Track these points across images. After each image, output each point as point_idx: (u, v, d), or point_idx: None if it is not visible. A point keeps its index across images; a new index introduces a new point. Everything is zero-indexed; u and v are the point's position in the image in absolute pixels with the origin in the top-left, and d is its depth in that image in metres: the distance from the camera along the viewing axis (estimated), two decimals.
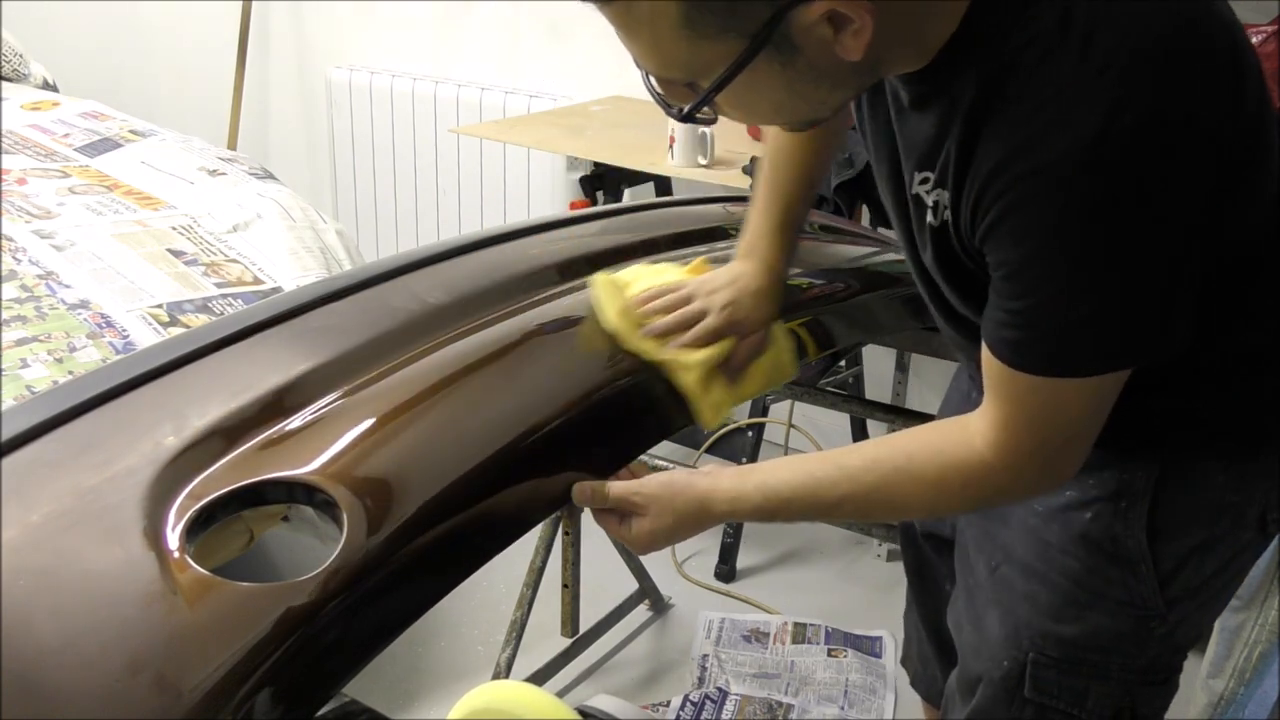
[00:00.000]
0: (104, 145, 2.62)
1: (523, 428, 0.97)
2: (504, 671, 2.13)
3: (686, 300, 1.14)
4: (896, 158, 1.02)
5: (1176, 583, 1.08)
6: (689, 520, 1.02)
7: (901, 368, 2.58)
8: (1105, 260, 0.85)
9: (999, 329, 0.92)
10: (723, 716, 2.13)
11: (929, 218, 0.98)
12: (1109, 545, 1.08)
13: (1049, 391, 0.92)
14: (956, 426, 0.98)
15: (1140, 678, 1.12)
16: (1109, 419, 0.97)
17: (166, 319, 1.86)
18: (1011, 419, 0.94)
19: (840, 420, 2.93)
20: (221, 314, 1.90)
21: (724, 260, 1.22)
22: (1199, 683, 1.81)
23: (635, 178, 2.62)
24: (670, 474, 1.03)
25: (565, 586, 2.28)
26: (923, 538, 1.48)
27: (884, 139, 1.04)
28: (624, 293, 1.14)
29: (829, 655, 2.32)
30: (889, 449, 1.00)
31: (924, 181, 0.97)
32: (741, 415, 2.74)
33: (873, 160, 1.09)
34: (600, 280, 1.14)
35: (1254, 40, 2.00)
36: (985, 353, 0.95)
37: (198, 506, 0.81)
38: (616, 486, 1.01)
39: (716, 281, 1.16)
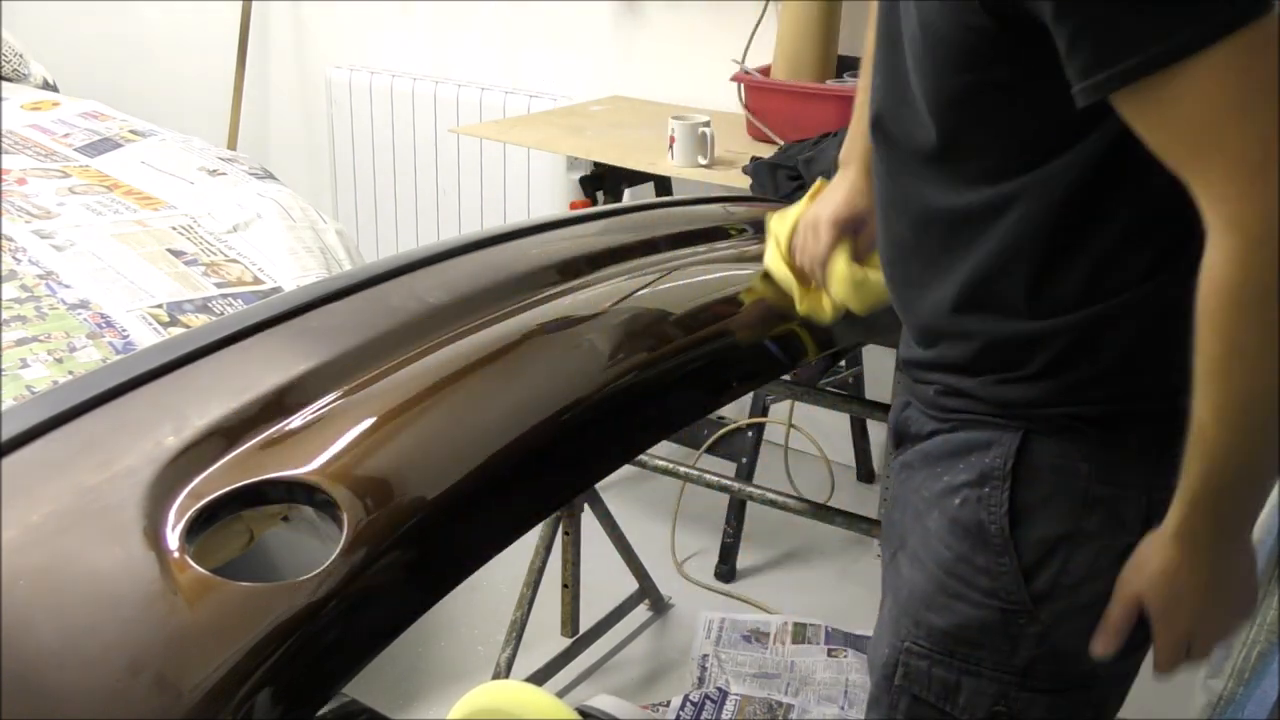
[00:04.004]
0: (104, 145, 2.62)
1: (522, 427, 0.97)
2: (504, 671, 2.13)
3: (805, 238, 1.23)
4: None
5: (1042, 577, 1.01)
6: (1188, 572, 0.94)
7: None
8: None
9: (1081, 71, 0.82)
10: (723, 716, 2.13)
11: None
12: (975, 531, 1.03)
13: (1183, 98, 0.79)
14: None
15: (1018, 680, 1.04)
16: (977, 399, 0.96)
17: (166, 319, 1.86)
18: (1183, 162, 0.82)
19: (840, 420, 2.93)
20: (221, 314, 1.90)
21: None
22: (1198, 683, 1.81)
23: (635, 178, 2.62)
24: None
25: (565, 586, 2.28)
26: None
27: None
28: (780, 245, 1.26)
29: (829, 655, 2.32)
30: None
31: None
32: (741, 415, 2.74)
33: None
34: (770, 237, 1.27)
35: None
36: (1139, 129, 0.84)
37: (198, 506, 0.81)
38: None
39: (829, 199, 1.25)
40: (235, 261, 2.09)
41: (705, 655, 2.33)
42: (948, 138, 0.97)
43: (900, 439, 1.15)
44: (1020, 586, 1.02)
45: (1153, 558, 0.95)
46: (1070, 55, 0.83)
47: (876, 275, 1.18)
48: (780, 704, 2.17)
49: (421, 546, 0.85)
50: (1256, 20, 0.78)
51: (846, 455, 2.99)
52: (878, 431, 2.90)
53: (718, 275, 1.31)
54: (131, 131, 2.70)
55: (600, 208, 2.19)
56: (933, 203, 1.02)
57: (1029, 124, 0.93)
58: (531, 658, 2.18)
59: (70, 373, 1.69)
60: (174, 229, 2.17)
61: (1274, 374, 0.83)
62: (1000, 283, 0.98)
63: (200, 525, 0.81)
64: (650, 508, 2.79)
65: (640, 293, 1.20)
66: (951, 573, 1.05)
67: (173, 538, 0.78)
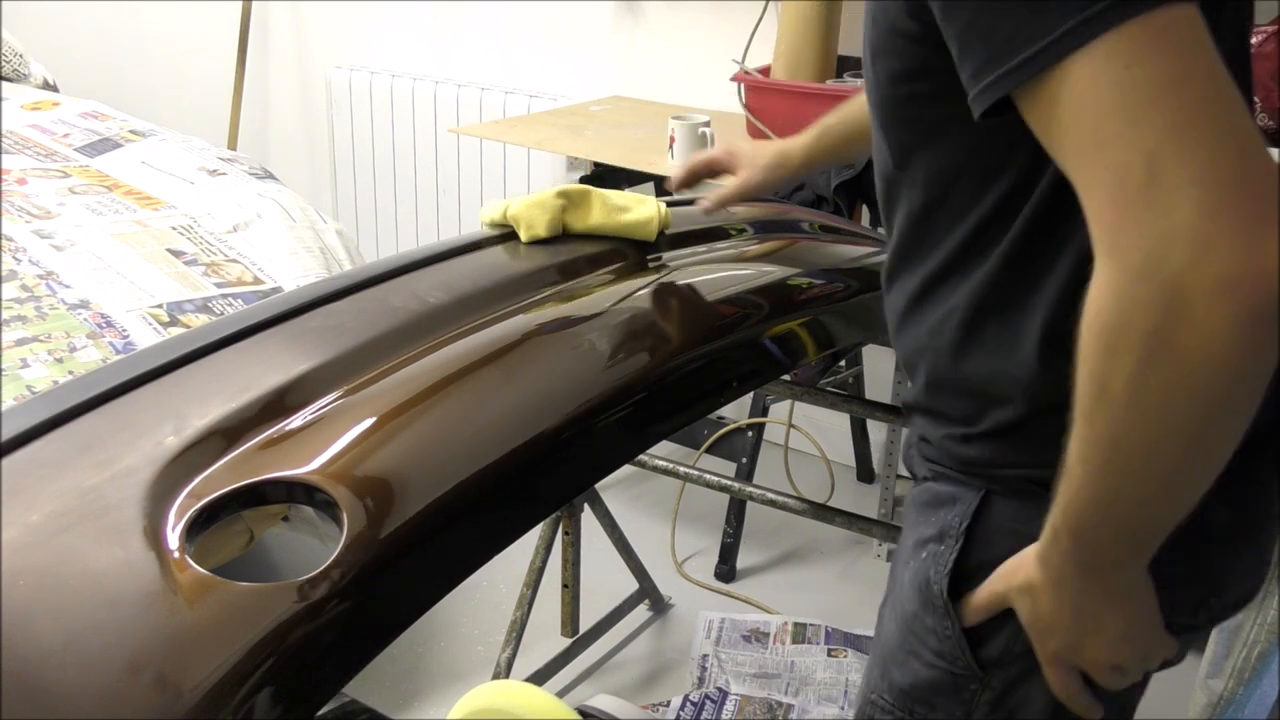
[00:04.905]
0: (104, 145, 2.62)
1: (522, 427, 0.97)
2: (504, 671, 2.13)
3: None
4: None
5: (993, 642, 0.94)
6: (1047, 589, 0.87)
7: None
8: None
9: (970, 79, 0.75)
10: (723, 716, 2.13)
11: None
12: (924, 589, 0.97)
13: (1067, 101, 0.69)
14: None
15: None
16: (943, 452, 0.91)
17: (166, 319, 1.86)
18: (1073, 176, 0.72)
19: (840, 420, 2.93)
20: (221, 314, 1.90)
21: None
22: (1198, 683, 1.81)
23: (635, 178, 2.62)
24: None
25: (565, 586, 2.28)
26: None
27: None
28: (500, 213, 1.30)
29: (829, 655, 2.32)
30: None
31: None
32: (741, 415, 2.74)
33: None
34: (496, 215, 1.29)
35: (1254, 40, 2.00)
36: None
37: (198, 506, 0.81)
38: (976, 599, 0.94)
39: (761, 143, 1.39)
40: (235, 261, 2.09)
41: (705, 655, 2.33)
42: (898, 160, 0.93)
43: (912, 477, 1.10)
44: (964, 651, 0.96)
45: (1020, 570, 0.90)
46: (961, 61, 0.75)
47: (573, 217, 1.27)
48: (780, 704, 2.17)
49: (421, 546, 0.85)
50: (1151, 11, 0.67)
51: (846, 455, 2.99)
52: (878, 431, 2.90)
53: (718, 275, 1.31)
54: (131, 131, 2.70)
55: None
56: (900, 226, 0.98)
57: (962, 157, 0.87)
58: (531, 658, 2.18)
59: (70, 373, 1.69)
60: (174, 229, 2.17)
61: (1144, 424, 0.72)
62: (951, 328, 0.92)
63: (200, 525, 0.81)
64: (650, 508, 2.79)
65: (640, 293, 1.20)
66: (909, 629, 1.00)
67: (173, 538, 0.78)
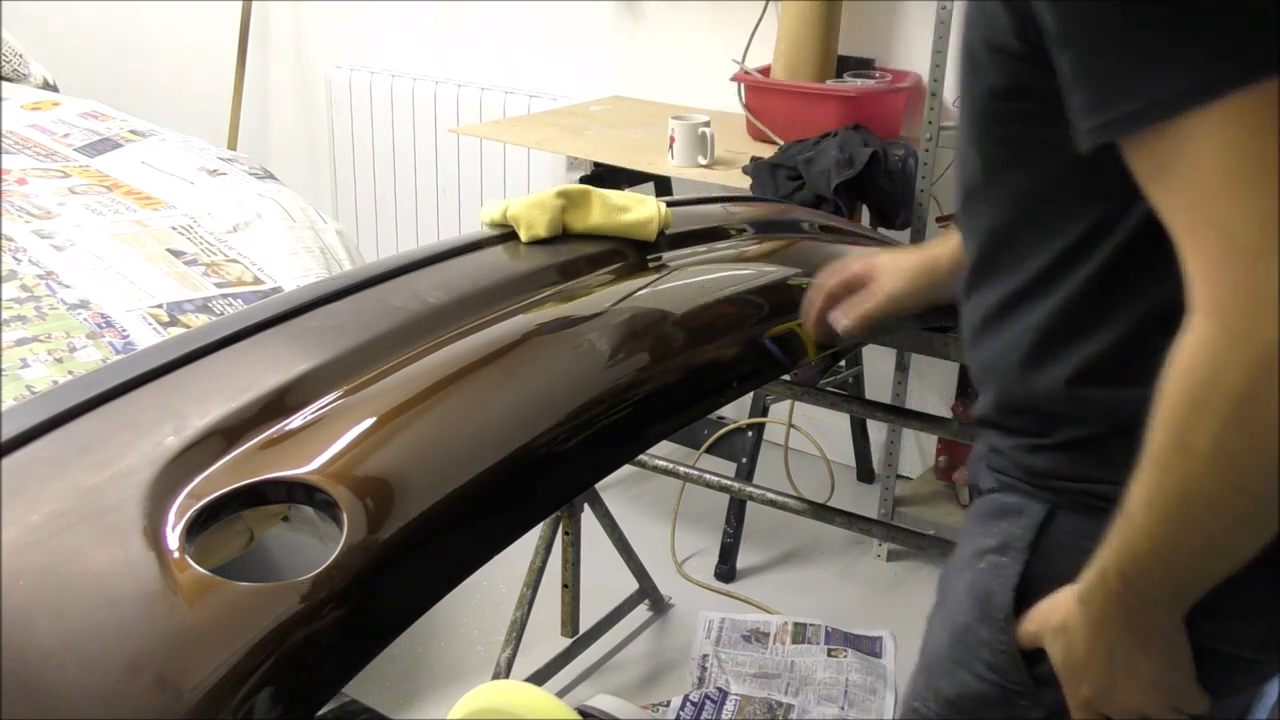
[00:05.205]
0: (104, 145, 2.62)
1: (523, 427, 0.97)
2: (504, 671, 2.13)
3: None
4: None
5: (1047, 661, 0.93)
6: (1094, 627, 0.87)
7: (901, 368, 2.58)
8: None
9: (1080, 112, 0.76)
10: (723, 716, 2.13)
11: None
12: (984, 601, 0.97)
13: (1180, 157, 0.71)
14: None
15: None
16: (1011, 462, 0.90)
17: (166, 319, 1.86)
18: (1177, 227, 0.73)
19: (840, 420, 2.93)
20: (221, 314, 1.90)
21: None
22: None
23: (635, 178, 2.62)
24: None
25: (565, 586, 2.28)
26: None
27: None
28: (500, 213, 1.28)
29: (829, 655, 2.32)
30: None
31: None
32: (741, 415, 2.74)
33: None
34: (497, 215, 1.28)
35: None
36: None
37: (198, 506, 0.81)
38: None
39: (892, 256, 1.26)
40: (235, 261, 2.09)
41: (705, 655, 2.33)
42: (986, 174, 0.93)
43: (972, 489, 1.10)
44: (1019, 667, 0.95)
45: (1057, 610, 0.90)
46: (1070, 90, 0.77)
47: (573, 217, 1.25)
48: (780, 704, 2.17)
49: (422, 546, 0.85)
50: (1270, 79, 0.69)
51: (846, 455, 2.99)
52: (878, 431, 2.90)
53: (718, 275, 1.31)
54: (131, 131, 2.69)
55: None
56: (981, 241, 0.97)
57: (1053, 179, 0.88)
58: (531, 658, 2.18)
59: (70, 373, 1.69)
60: (174, 229, 2.17)
61: (1217, 481, 0.74)
62: (1027, 345, 0.93)
63: (200, 525, 0.81)
64: (650, 508, 2.79)
65: (640, 293, 1.20)
66: (960, 639, 1.00)
67: (173, 538, 0.78)
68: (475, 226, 1.31)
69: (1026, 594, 0.94)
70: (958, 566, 1.02)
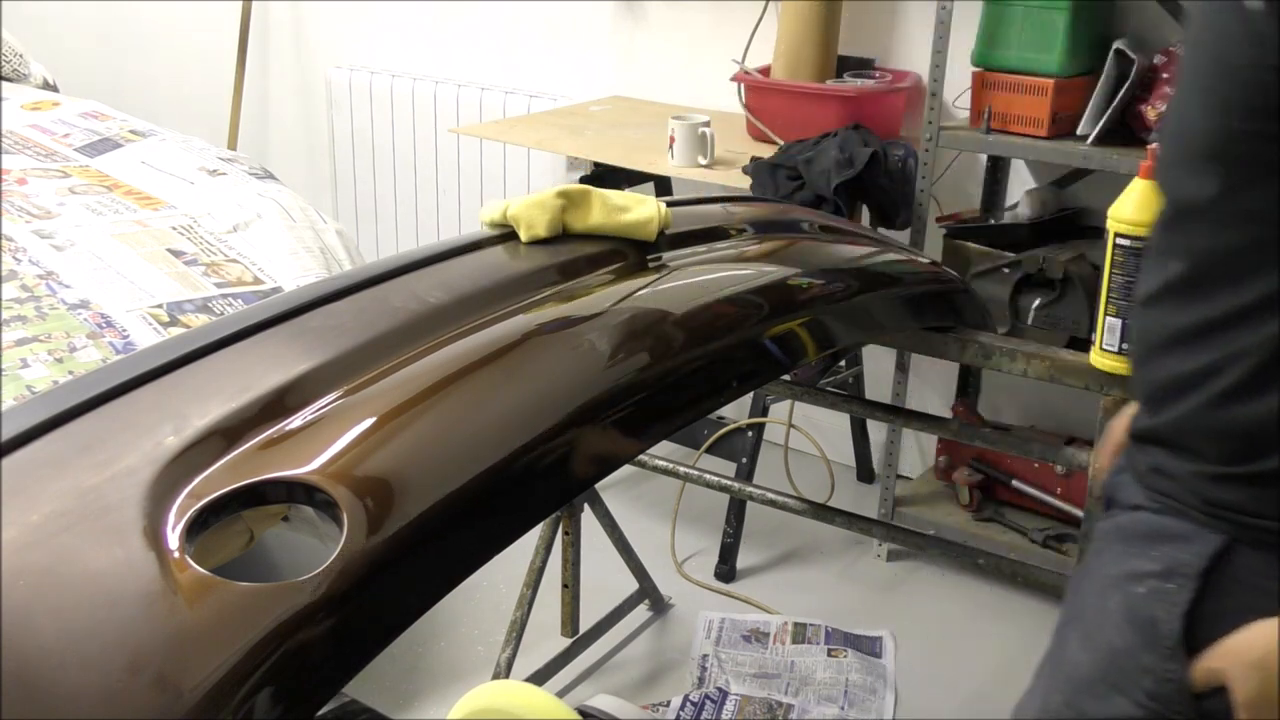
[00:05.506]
0: (104, 145, 2.62)
1: (522, 427, 0.97)
2: (504, 671, 2.13)
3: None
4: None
5: (1219, 696, 0.92)
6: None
7: (901, 368, 2.58)
8: None
9: None
10: (723, 716, 2.13)
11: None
12: (1148, 627, 0.95)
13: None
14: None
15: None
16: (1185, 488, 0.88)
17: (166, 319, 1.86)
18: None
19: (840, 420, 2.93)
20: (221, 314, 1.90)
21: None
22: None
23: (635, 178, 2.62)
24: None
25: (565, 586, 2.28)
26: None
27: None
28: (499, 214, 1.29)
29: (829, 655, 2.32)
30: None
31: None
32: (741, 415, 2.74)
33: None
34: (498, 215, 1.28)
35: None
36: None
37: (198, 506, 0.81)
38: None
39: None
40: (235, 261, 2.09)
41: (705, 655, 2.33)
42: (1213, 192, 0.91)
43: (1108, 503, 1.08)
44: (1185, 699, 0.94)
45: (1255, 645, 0.89)
46: None
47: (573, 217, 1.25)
48: (780, 704, 2.17)
49: (421, 546, 0.85)
50: None
51: (846, 455, 2.99)
52: (878, 431, 2.90)
53: (718, 275, 1.31)
54: (131, 131, 2.69)
55: None
56: (1192, 257, 0.95)
57: None
58: (531, 658, 2.18)
59: (70, 373, 1.69)
60: (174, 229, 2.17)
61: None
62: (1238, 371, 0.91)
63: (200, 525, 0.81)
64: (650, 508, 2.79)
65: (640, 293, 1.20)
66: (1116, 663, 0.98)
67: (173, 538, 0.78)
68: (475, 226, 1.31)
69: (1192, 626, 0.93)
70: (1101, 584, 1.00)
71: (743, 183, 2.35)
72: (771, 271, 1.37)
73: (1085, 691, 1.01)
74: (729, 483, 2.16)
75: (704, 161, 2.42)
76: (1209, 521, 0.94)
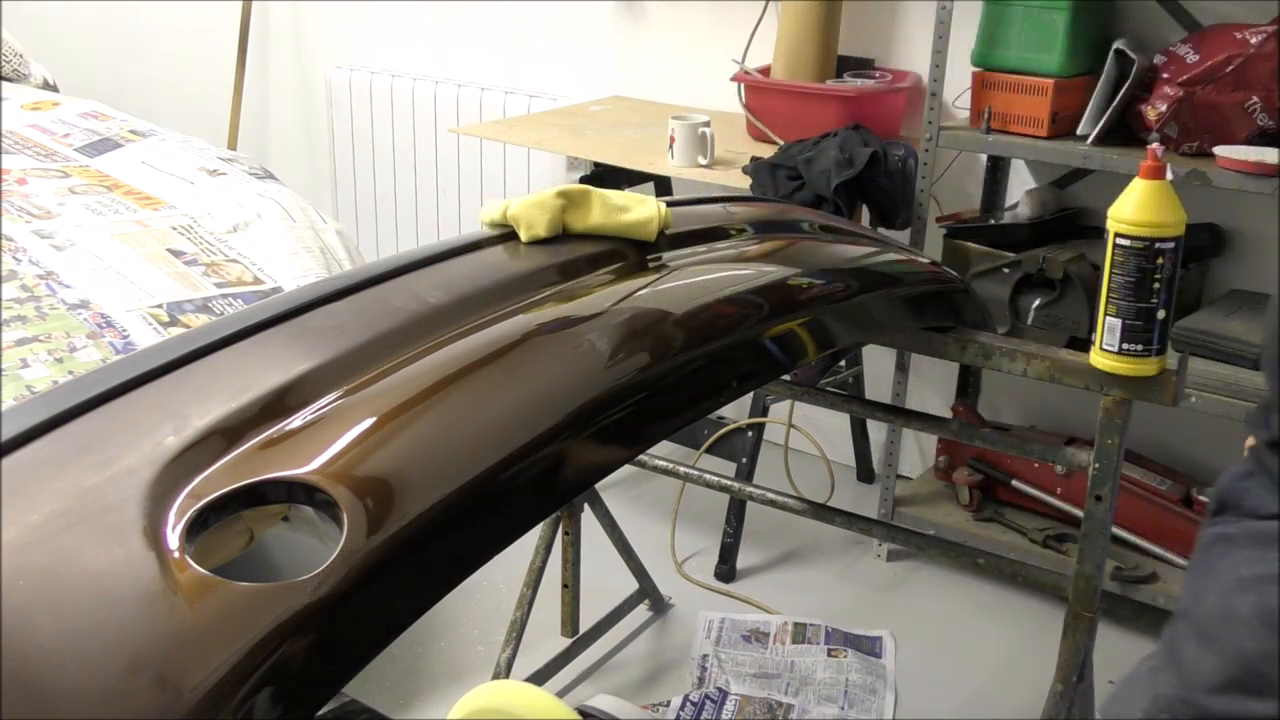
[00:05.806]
0: (104, 145, 2.62)
1: (523, 427, 0.97)
2: (504, 671, 2.13)
3: None
4: None
5: None
6: None
7: (901, 368, 2.58)
8: None
9: None
10: (723, 716, 2.13)
11: None
12: None
13: None
14: None
15: None
16: None
17: (166, 319, 1.86)
18: None
19: (840, 420, 2.93)
20: (221, 314, 1.90)
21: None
22: None
23: (635, 178, 2.62)
24: None
25: (565, 586, 2.28)
26: None
27: None
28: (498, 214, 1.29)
29: (829, 655, 2.32)
30: None
31: None
32: (741, 415, 2.74)
33: None
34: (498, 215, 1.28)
35: (1253, 40, 2.00)
36: None
37: (198, 506, 0.81)
38: None
39: None
40: (235, 261, 2.09)
41: (705, 655, 2.33)
42: None
43: (1224, 507, 1.07)
44: None
45: None
46: None
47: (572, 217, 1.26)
48: (780, 704, 2.17)
49: (422, 546, 0.85)
50: None
51: (846, 455, 2.99)
52: (878, 431, 2.90)
53: (718, 275, 1.31)
54: (131, 131, 2.70)
55: None
56: None
57: None
58: (531, 658, 2.18)
59: (70, 373, 1.69)
60: (174, 229, 2.17)
61: None
62: None
63: (200, 525, 0.81)
64: (650, 508, 2.79)
65: (640, 293, 1.20)
66: (1253, 668, 0.96)
67: (173, 538, 0.78)
68: (475, 226, 1.31)
69: None
70: (1229, 586, 1.00)
71: (743, 183, 2.35)
72: (771, 271, 1.37)
73: (1211, 692, 0.99)
74: (729, 483, 2.16)
75: (704, 161, 2.42)
76: None
